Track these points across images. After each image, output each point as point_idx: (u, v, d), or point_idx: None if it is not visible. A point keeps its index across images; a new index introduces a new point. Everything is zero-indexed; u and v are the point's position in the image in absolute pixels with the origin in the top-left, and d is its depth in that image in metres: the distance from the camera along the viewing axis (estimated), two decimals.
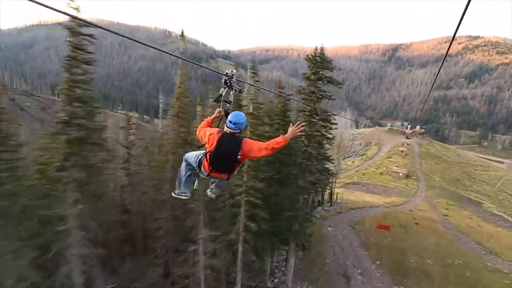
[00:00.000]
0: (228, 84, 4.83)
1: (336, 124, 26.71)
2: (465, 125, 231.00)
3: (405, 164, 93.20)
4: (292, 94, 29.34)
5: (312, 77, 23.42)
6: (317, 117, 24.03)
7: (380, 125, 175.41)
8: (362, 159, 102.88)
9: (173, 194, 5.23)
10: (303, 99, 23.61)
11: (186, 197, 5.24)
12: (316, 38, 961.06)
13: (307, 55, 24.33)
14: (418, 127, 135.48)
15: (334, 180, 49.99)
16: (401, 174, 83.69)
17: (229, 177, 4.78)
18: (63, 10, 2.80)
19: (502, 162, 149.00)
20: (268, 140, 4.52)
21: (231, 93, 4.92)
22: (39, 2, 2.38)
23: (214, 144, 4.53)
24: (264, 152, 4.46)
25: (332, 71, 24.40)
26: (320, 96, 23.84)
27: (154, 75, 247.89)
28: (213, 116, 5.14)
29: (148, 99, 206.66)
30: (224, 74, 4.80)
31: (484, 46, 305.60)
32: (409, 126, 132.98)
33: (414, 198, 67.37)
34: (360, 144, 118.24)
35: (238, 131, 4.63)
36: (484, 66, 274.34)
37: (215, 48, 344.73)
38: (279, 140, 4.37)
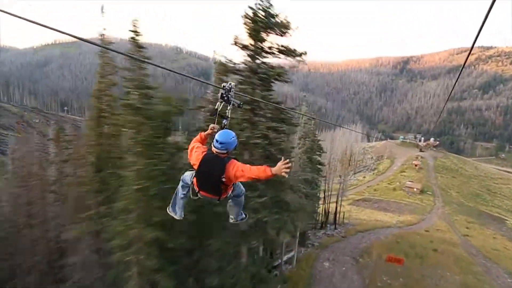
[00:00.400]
0: (226, 98, 4.49)
1: (296, 125, 19.79)
2: (481, 136, 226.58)
3: (420, 178, 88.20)
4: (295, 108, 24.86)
5: (252, 46, 14.61)
6: (262, 114, 15.58)
7: (392, 138, 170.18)
8: (373, 173, 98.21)
9: (167, 210, 4.98)
10: (240, 83, 14.58)
11: (179, 217, 4.97)
12: (327, 52, 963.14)
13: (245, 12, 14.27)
14: (432, 139, 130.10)
15: (339, 199, 45.67)
16: (415, 190, 78.79)
17: (220, 199, 4.42)
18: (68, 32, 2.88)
19: None
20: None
21: (228, 107, 4.57)
22: (45, 25, 2.54)
23: (197, 164, 4.31)
24: (244, 179, 4.10)
25: (284, 34, 14.92)
26: (265, 78, 14.95)
27: (165, 88, 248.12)
28: (206, 132, 4.75)
29: None
30: (221, 87, 4.53)
31: (498, 56, 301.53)
32: (422, 138, 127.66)
33: (430, 215, 62.55)
34: (372, 158, 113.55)
35: (225, 151, 4.21)
36: (498, 77, 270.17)
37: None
38: (267, 174, 3.89)
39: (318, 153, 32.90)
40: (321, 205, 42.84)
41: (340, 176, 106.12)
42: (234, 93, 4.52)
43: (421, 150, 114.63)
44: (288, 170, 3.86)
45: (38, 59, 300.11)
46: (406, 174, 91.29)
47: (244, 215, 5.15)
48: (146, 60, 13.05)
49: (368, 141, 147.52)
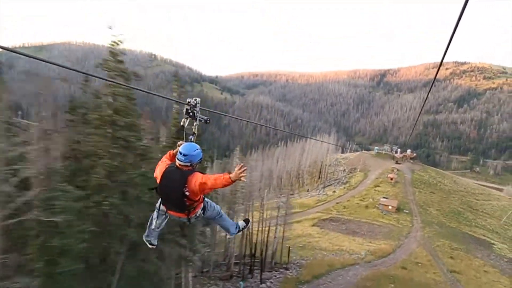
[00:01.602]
0: (191, 114, 4.45)
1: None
2: (456, 150, 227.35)
3: (396, 194, 78.04)
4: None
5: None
6: None
7: (368, 150, 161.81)
8: (345, 188, 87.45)
9: (144, 237, 4.73)
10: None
11: (153, 246, 4.75)
12: (305, 64, 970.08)
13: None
14: (409, 151, 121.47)
15: (277, 229, 34.08)
16: (390, 207, 68.29)
17: (189, 217, 4.24)
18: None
19: (501, 190, 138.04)
20: None
21: (194, 123, 4.53)
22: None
23: (159, 178, 4.19)
24: (208, 189, 4.00)
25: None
26: None
27: (137, 99, 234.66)
28: (175, 150, 4.48)
29: None
30: (185, 103, 4.45)
31: (471, 71, 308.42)
32: (399, 150, 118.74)
33: (407, 240, 51.91)
34: (344, 170, 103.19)
35: (189, 164, 4.09)
36: (472, 91, 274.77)
37: (201, 72, 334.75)
38: (227, 181, 3.87)
39: None
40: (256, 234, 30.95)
41: (307, 190, 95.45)
42: (200, 108, 4.47)
43: (397, 162, 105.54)
44: (245, 175, 3.89)
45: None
46: (380, 189, 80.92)
47: (236, 227, 5.02)
48: (110, 80, 13.56)
49: (342, 152, 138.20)
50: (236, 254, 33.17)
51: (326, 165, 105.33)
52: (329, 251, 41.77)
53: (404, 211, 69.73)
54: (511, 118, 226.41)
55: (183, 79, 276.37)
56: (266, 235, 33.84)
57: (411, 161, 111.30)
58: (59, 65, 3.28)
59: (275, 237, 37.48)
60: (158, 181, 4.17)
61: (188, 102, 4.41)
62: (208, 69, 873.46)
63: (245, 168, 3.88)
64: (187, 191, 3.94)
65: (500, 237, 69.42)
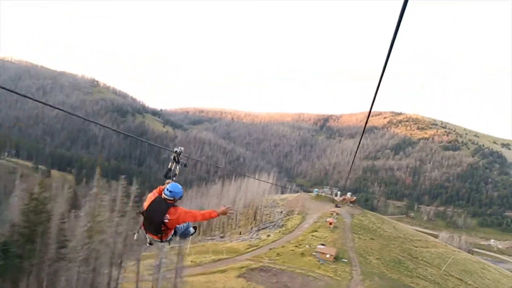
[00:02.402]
0: (176, 160, 5.83)
1: None
2: (393, 195, 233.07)
3: (334, 240, 70.81)
4: None
5: None
6: None
7: (308, 191, 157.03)
8: (280, 231, 78.65)
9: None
10: None
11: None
12: (251, 103, 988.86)
13: None
14: (349, 194, 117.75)
15: None
16: (328, 256, 60.35)
17: (162, 240, 5.47)
18: None
19: (436, 236, 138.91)
20: None
21: (177, 167, 5.88)
22: None
23: (147, 204, 5.41)
24: (192, 219, 5.52)
25: None
26: None
27: (70, 125, 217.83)
28: (164, 186, 5.62)
29: (58, 149, 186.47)
30: (173, 152, 5.82)
31: (406, 121, 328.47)
32: (339, 192, 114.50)
33: None
34: (282, 212, 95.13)
35: (172, 198, 5.38)
36: (407, 140, 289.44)
37: (145, 104, 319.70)
38: (213, 215, 5.45)
39: None
40: None
41: (240, 233, 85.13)
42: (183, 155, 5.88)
43: (337, 206, 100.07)
44: (232, 212, 5.53)
45: None
46: (318, 235, 73.31)
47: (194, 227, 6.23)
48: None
49: (282, 193, 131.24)
50: None
51: (262, 206, 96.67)
52: None
53: (343, 260, 62.14)
54: (441, 166, 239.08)
55: (124, 109, 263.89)
56: None
57: (351, 204, 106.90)
58: None
59: None
60: (145, 207, 5.41)
61: (175, 150, 5.83)
62: (153, 101, 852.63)
63: (229, 207, 5.64)
64: (166, 219, 5.21)
65: None
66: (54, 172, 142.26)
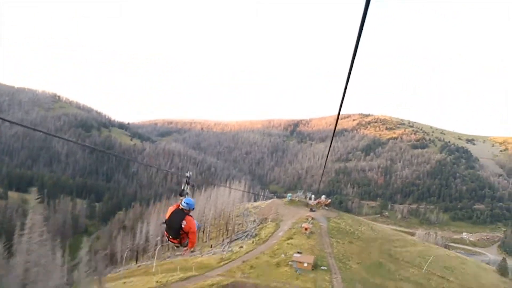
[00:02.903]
0: (188, 182, 7.65)
1: None
2: (366, 195, 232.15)
3: (311, 247, 66.01)
4: None
5: None
6: None
7: (282, 197, 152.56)
8: (254, 242, 72.91)
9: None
10: None
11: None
12: (221, 112, 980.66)
13: None
14: (323, 197, 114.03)
15: None
16: (306, 265, 55.33)
17: (181, 244, 7.42)
18: None
19: (413, 234, 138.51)
20: None
21: (188, 187, 7.67)
22: None
23: (168, 215, 7.34)
24: (193, 233, 7.38)
25: None
26: None
27: (31, 143, 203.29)
28: (180, 202, 7.45)
29: (18, 169, 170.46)
30: (186, 177, 7.65)
31: (375, 122, 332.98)
32: (313, 196, 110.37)
33: None
34: (255, 220, 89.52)
35: (188, 209, 7.27)
36: (377, 140, 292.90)
37: (111, 117, 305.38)
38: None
39: None
40: None
41: (211, 246, 78.68)
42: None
43: (311, 210, 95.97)
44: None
45: None
46: (294, 242, 68.24)
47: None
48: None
49: (255, 200, 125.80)
50: None
51: (234, 215, 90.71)
52: None
53: (322, 267, 57.35)
54: (411, 165, 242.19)
55: (88, 124, 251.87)
56: None
57: (326, 207, 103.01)
58: None
59: None
60: (167, 217, 7.36)
61: (187, 176, 7.67)
62: (120, 115, 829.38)
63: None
64: (183, 224, 7.09)
65: None
66: (11, 194, 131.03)
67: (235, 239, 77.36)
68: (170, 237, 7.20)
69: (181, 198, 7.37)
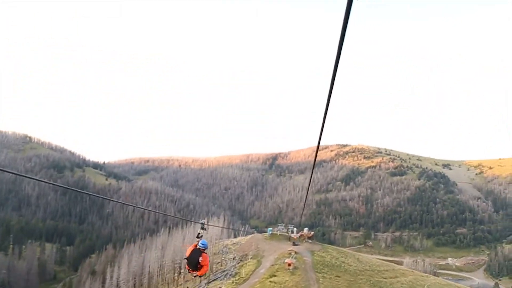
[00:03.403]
0: (202, 227, 10.62)
1: None
2: (349, 226, 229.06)
3: (296, 284, 60.39)
4: None
5: None
6: None
7: (263, 232, 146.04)
8: (233, 281, 66.51)
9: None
10: None
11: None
12: (197, 149, 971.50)
13: None
14: (306, 229, 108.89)
15: None
16: None
17: (198, 274, 10.45)
18: None
19: (400, 263, 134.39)
20: None
21: (202, 231, 10.63)
22: None
23: (188, 253, 10.37)
24: (206, 266, 10.55)
25: None
26: None
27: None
28: (196, 242, 10.56)
29: None
30: (201, 223, 10.78)
31: (353, 152, 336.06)
32: (295, 229, 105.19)
33: None
34: (234, 258, 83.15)
35: (204, 248, 10.43)
36: (356, 170, 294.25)
37: (85, 157, 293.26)
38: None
39: None
40: None
41: None
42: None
43: (294, 244, 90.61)
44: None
45: None
46: (277, 280, 62.39)
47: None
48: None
49: (234, 236, 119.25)
50: None
51: (212, 253, 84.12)
52: None
53: None
54: (391, 192, 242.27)
55: (61, 164, 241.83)
56: None
57: (309, 240, 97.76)
58: None
59: None
60: (187, 254, 10.36)
61: (202, 222, 10.80)
62: (95, 154, 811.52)
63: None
64: (200, 259, 10.12)
65: None
66: None
67: (213, 280, 70.65)
68: (191, 269, 10.16)
69: (197, 239, 10.39)
